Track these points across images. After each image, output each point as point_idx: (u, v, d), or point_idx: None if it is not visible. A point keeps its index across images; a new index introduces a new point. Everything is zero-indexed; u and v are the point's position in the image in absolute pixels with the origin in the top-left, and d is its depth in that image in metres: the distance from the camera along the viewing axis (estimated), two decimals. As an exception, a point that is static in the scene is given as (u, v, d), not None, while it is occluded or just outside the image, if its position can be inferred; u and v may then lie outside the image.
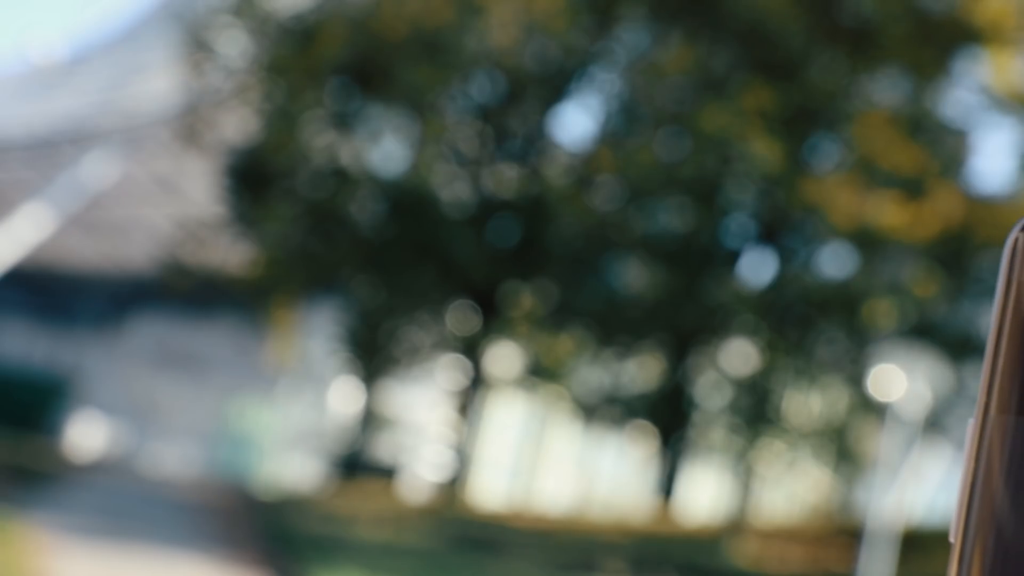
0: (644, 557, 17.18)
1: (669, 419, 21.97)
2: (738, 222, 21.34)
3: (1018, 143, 20.75)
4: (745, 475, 22.62)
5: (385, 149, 22.26)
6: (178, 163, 27.04)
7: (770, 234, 21.05)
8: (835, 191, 19.24)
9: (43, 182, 29.69)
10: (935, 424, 20.29)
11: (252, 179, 21.74)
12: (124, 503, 17.83)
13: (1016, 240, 0.63)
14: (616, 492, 25.66)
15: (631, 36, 21.56)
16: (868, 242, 19.52)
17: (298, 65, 21.21)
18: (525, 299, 21.53)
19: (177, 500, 19.18)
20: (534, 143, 21.88)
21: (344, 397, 25.55)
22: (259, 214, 21.61)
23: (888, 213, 19.14)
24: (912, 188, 19.37)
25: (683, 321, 20.54)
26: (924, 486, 23.00)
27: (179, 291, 24.22)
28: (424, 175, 21.02)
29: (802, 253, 21.06)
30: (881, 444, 18.80)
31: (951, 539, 0.64)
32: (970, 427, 0.64)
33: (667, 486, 22.70)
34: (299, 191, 21.65)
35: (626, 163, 20.09)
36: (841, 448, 21.48)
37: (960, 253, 19.72)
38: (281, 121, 21.42)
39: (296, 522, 17.18)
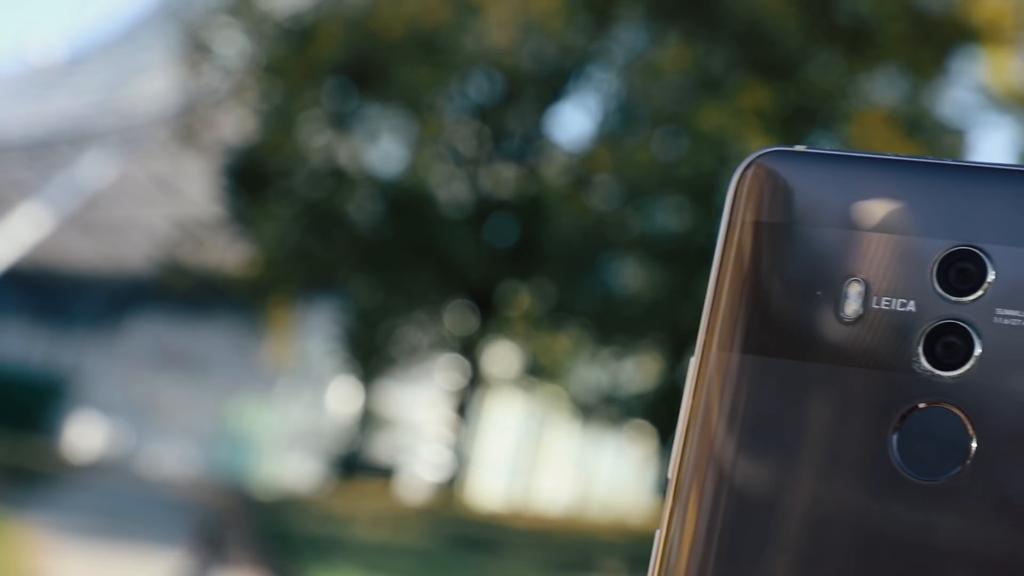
0: (642, 557, 17.15)
1: (667, 419, 21.97)
2: (736, 221, 21.32)
3: (1016, 142, 20.75)
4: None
5: (383, 149, 22.26)
6: (176, 163, 27.05)
7: (768, 233, 21.02)
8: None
9: (41, 182, 29.69)
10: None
11: (250, 179, 21.73)
12: (122, 503, 17.83)
13: (740, 180, 0.65)
14: (614, 492, 25.67)
15: (628, 36, 21.56)
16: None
17: (295, 65, 21.20)
18: (523, 299, 21.53)
19: (175, 500, 19.19)
20: (532, 143, 21.88)
21: (342, 397, 25.55)
22: (257, 214, 21.60)
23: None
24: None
25: (681, 320, 20.54)
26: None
27: (177, 291, 24.21)
28: (422, 175, 21.01)
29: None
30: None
31: (669, 475, 0.65)
32: (691, 365, 0.65)
33: (665, 486, 22.69)
34: (297, 191, 21.64)
35: (623, 163, 20.08)
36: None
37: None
38: (279, 121, 21.40)
39: (294, 522, 17.18)
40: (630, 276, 21.50)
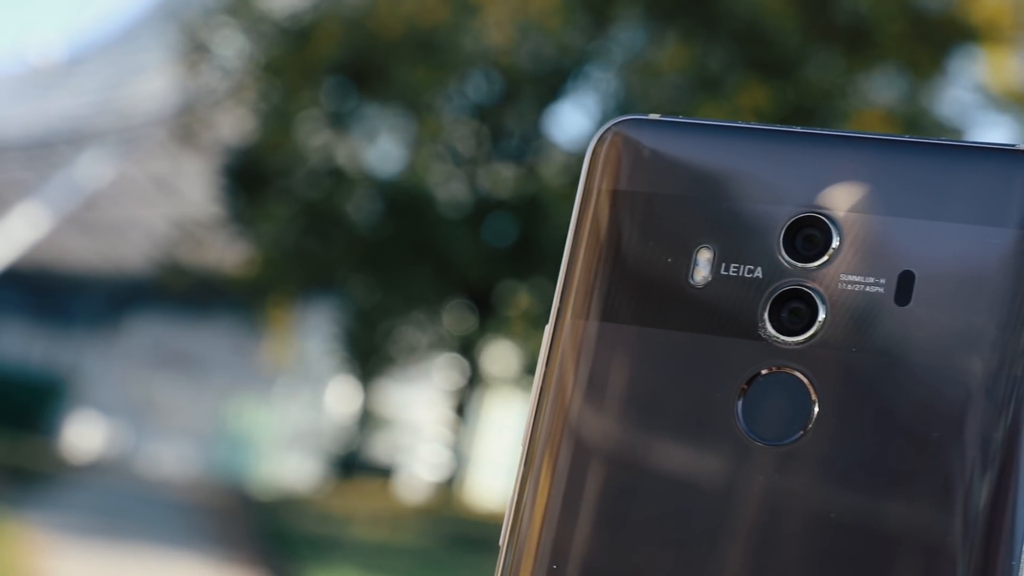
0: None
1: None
2: (734, 221, 21.32)
3: (1015, 141, 20.72)
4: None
5: (381, 149, 22.26)
6: (175, 163, 27.06)
7: (766, 233, 21.03)
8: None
9: (39, 182, 29.70)
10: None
11: (248, 179, 21.73)
12: (121, 503, 17.84)
13: (596, 148, 0.65)
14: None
15: (627, 35, 21.57)
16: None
17: (294, 65, 21.20)
18: (521, 298, 21.53)
19: (174, 500, 19.19)
20: (530, 142, 21.89)
21: (341, 397, 25.56)
22: (255, 214, 21.61)
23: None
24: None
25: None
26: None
27: (176, 291, 24.20)
28: (420, 174, 21.01)
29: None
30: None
31: (521, 444, 0.65)
32: (546, 332, 0.66)
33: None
34: (295, 191, 21.64)
35: (622, 162, 20.07)
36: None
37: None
38: (277, 121, 21.41)
39: (293, 521, 17.19)
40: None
